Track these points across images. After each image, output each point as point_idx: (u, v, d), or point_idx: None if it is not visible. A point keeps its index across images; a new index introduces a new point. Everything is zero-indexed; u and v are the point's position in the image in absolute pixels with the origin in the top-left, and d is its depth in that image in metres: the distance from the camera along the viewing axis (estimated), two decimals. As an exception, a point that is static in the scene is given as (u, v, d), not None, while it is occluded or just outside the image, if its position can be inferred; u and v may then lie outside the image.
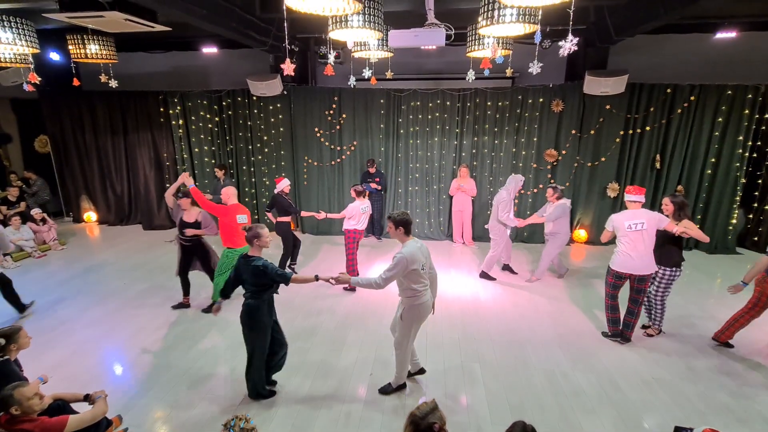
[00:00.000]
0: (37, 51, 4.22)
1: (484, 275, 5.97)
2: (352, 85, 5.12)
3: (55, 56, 7.43)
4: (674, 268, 4.20)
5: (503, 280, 6.00)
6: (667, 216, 4.20)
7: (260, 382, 3.41)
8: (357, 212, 5.53)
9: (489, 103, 7.25)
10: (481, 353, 4.17)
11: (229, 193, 4.86)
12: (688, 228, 4.08)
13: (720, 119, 6.73)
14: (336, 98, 7.60)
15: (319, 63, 8.05)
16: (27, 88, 4.93)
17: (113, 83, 5.69)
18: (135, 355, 4.13)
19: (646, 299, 4.41)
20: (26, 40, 4.02)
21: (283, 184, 5.93)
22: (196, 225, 4.88)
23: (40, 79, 4.64)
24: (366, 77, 4.96)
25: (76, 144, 8.59)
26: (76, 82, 5.51)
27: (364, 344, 4.27)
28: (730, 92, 6.61)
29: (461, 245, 7.54)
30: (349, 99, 7.58)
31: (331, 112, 7.67)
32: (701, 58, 7.25)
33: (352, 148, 7.79)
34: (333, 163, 7.92)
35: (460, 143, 7.54)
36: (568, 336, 4.49)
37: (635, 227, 3.98)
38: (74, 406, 2.81)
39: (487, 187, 7.59)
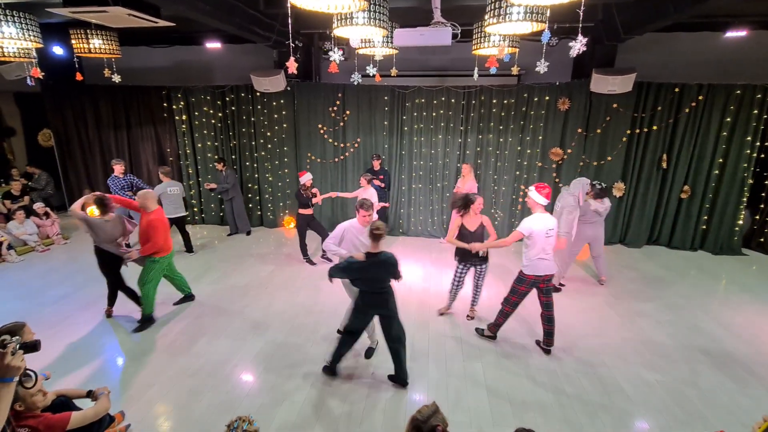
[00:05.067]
0: (41, 45, 4.20)
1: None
2: (356, 82, 5.09)
3: (58, 50, 7.40)
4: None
5: (506, 281, 5.97)
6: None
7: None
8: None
9: (494, 101, 7.19)
10: (483, 353, 4.16)
11: (148, 196, 4.37)
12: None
13: (728, 119, 6.65)
14: (340, 95, 7.55)
15: (323, 59, 7.99)
16: (30, 82, 4.93)
17: (116, 78, 5.67)
18: (138, 352, 4.15)
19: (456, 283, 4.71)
20: (29, 35, 4.00)
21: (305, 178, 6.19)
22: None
23: (42, 74, 4.63)
24: (371, 74, 4.92)
25: (79, 138, 8.60)
26: (78, 77, 5.50)
27: (365, 344, 4.26)
28: (738, 92, 6.53)
29: None
30: (353, 95, 7.53)
31: (335, 108, 7.63)
32: (710, 57, 7.16)
33: (356, 145, 7.76)
34: (336, 160, 7.89)
35: (464, 141, 7.49)
36: (571, 337, 4.47)
37: (551, 233, 3.97)
38: (77, 402, 2.82)
39: (491, 185, 7.54)
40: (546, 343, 4.20)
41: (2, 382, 1.56)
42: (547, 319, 4.14)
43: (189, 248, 6.90)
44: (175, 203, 6.52)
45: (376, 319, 4.09)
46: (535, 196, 4.00)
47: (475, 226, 4.44)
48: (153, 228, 4.31)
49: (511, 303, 4.19)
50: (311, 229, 6.39)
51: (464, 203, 4.39)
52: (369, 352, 4.11)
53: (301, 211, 6.25)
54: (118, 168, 6.57)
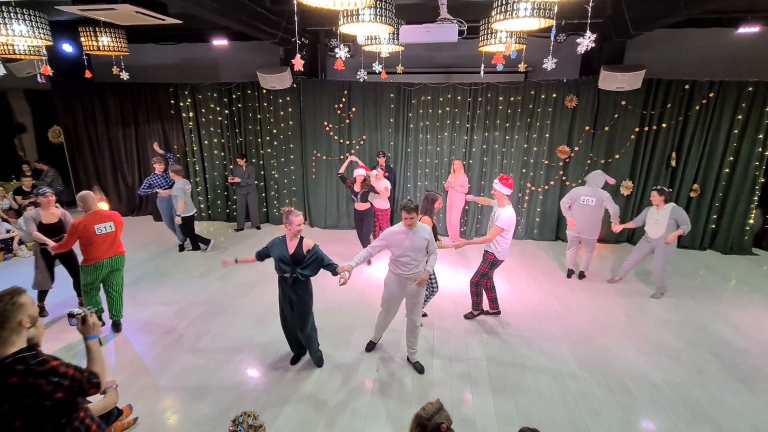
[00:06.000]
0: (50, 43, 4.24)
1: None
2: (362, 79, 5.08)
3: (67, 48, 7.49)
4: None
5: (512, 279, 5.95)
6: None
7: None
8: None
9: (501, 98, 7.14)
10: (488, 351, 4.15)
11: (85, 198, 4.05)
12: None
13: (739, 116, 6.55)
14: (346, 92, 7.55)
15: (329, 56, 7.99)
16: (40, 79, 4.98)
17: (124, 75, 5.71)
18: (145, 346, 4.20)
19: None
20: (39, 33, 4.04)
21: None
22: (59, 226, 4.47)
23: (52, 71, 4.68)
24: (377, 71, 4.91)
25: (88, 135, 8.70)
26: (88, 74, 5.55)
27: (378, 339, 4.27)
28: (750, 89, 6.42)
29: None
30: (358, 93, 7.53)
31: (341, 105, 7.63)
32: (722, 53, 7.04)
33: (362, 142, 7.76)
34: (342, 157, 7.89)
35: (470, 138, 7.45)
36: (576, 336, 4.45)
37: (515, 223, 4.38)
38: (86, 395, 2.86)
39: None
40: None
41: (92, 339, 2.12)
42: (493, 288, 4.79)
43: (204, 242, 6.93)
44: (189, 201, 6.56)
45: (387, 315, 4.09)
46: (501, 188, 4.19)
47: None
48: (68, 230, 4.14)
49: (486, 286, 4.71)
50: (364, 229, 6.21)
51: (432, 206, 4.29)
52: (369, 346, 4.18)
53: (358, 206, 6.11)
54: (159, 167, 6.72)
